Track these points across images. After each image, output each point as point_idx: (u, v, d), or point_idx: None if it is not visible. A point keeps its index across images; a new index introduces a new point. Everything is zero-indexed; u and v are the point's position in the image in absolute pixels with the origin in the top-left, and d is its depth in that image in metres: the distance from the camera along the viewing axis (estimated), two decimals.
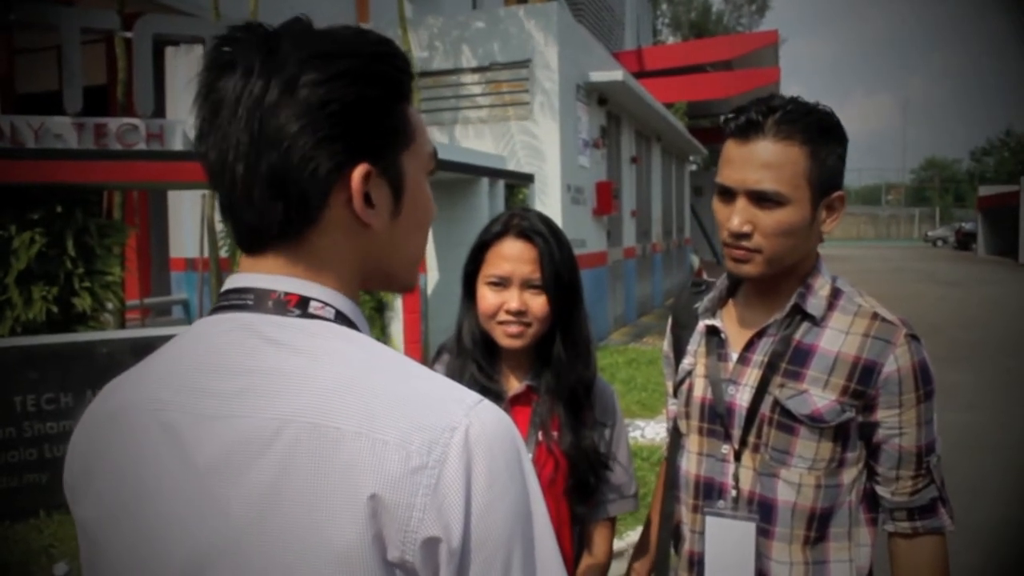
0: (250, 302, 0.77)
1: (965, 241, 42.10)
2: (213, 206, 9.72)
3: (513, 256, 1.59)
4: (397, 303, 6.36)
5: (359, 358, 0.74)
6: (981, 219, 37.24)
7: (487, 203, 7.47)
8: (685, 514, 1.55)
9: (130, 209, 9.95)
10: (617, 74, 10.99)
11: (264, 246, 0.78)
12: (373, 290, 0.88)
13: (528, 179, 8.83)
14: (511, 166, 9.32)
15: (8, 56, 10.75)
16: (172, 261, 11.80)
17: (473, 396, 0.74)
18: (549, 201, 9.58)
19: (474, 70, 9.99)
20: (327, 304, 0.77)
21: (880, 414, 1.40)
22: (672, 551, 1.63)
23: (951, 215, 67.38)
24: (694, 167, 27.96)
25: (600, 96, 11.45)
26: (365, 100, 0.77)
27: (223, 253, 8.21)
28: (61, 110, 5.43)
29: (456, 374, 1.64)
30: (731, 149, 1.39)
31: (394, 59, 0.82)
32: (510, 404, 1.63)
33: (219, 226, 7.66)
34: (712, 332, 1.53)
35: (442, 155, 6.86)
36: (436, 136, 9.93)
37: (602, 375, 1.79)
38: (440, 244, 7.57)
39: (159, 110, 10.87)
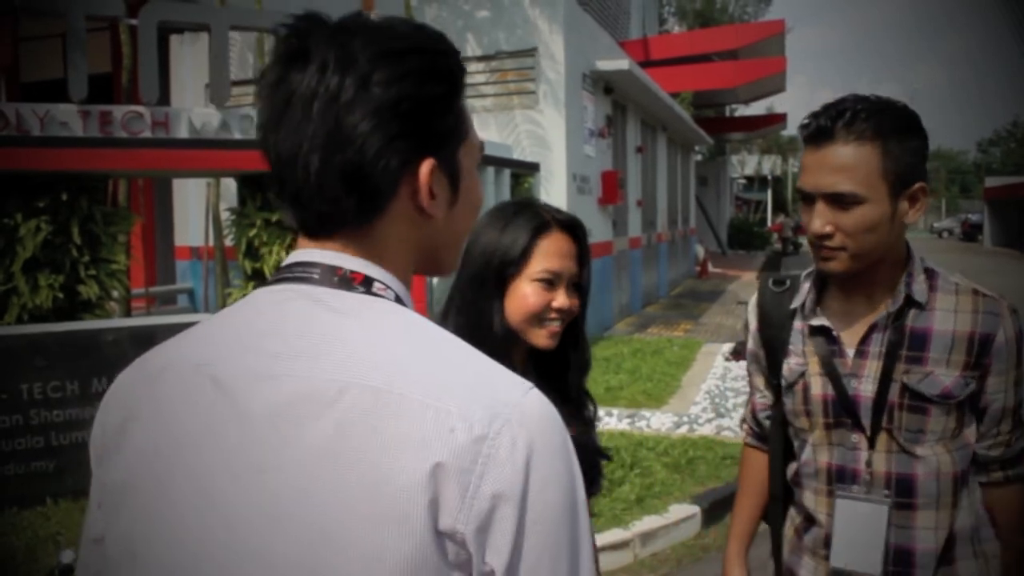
0: (315, 275, 0.79)
1: (971, 232, 41.99)
2: (218, 194, 9.72)
3: (564, 252, 1.50)
4: None
5: (421, 335, 0.77)
6: (987, 210, 37.12)
7: (492, 192, 7.45)
8: (809, 499, 1.63)
9: (135, 197, 9.95)
10: (623, 63, 10.94)
11: (331, 233, 0.81)
12: (419, 274, 0.91)
13: (534, 168, 8.81)
14: (516, 155, 9.30)
15: (13, 44, 10.72)
16: (177, 250, 11.81)
17: (527, 382, 0.76)
18: (554, 190, 9.56)
19: (479, 59, 9.95)
20: (388, 287, 0.81)
21: (990, 380, 1.52)
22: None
23: (957, 206, 67.14)
24: (699, 157, 27.88)
25: (606, 85, 11.41)
26: (431, 98, 0.80)
27: (228, 242, 8.21)
28: (66, 98, 5.42)
29: None
30: (807, 156, 1.50)
31: (454, 56, 0.85)
32: None
33: (224, 214, 7.65)
34: (818, 331, 1.59)
35: None
36: None
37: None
38: None
39: (164, 98, 10.87)
